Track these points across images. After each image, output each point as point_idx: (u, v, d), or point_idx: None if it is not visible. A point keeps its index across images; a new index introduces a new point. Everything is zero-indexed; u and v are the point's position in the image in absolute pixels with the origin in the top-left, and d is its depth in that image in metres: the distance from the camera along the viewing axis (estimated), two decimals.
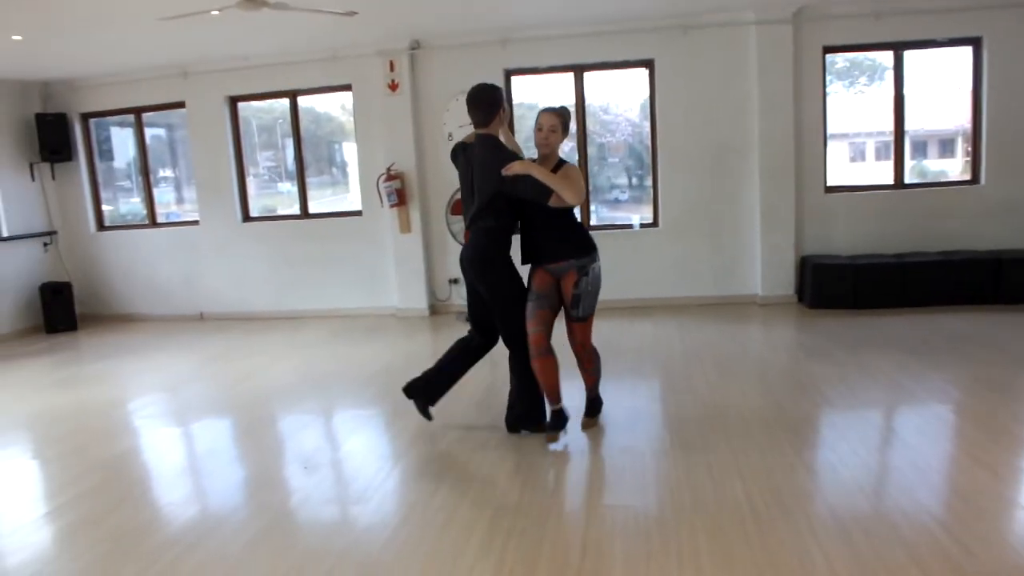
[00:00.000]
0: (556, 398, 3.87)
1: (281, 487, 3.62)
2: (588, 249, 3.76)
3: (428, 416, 4.03)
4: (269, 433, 4.50)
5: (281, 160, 8.23)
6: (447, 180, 7.16)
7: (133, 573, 2.83)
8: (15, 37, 5.84)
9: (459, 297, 7.42)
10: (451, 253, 7.32)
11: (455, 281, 7.40)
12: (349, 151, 8.21)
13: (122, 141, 8.55)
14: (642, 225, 7.24)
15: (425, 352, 6.10)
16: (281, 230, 7.84)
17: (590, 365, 4.00)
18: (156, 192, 8.39)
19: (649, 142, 7.13)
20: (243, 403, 5.06)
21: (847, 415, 4.10)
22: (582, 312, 3.79)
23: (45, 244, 8.18)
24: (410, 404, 4.12)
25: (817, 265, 6.56)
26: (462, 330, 6.64)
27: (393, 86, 7.11)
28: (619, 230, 7.32)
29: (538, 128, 3.72)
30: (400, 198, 7.12)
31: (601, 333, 6.12)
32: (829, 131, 6.89)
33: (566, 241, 3.72)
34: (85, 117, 8.18)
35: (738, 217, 6.91)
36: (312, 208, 7.83)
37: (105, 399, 5.37)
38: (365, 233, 7.52)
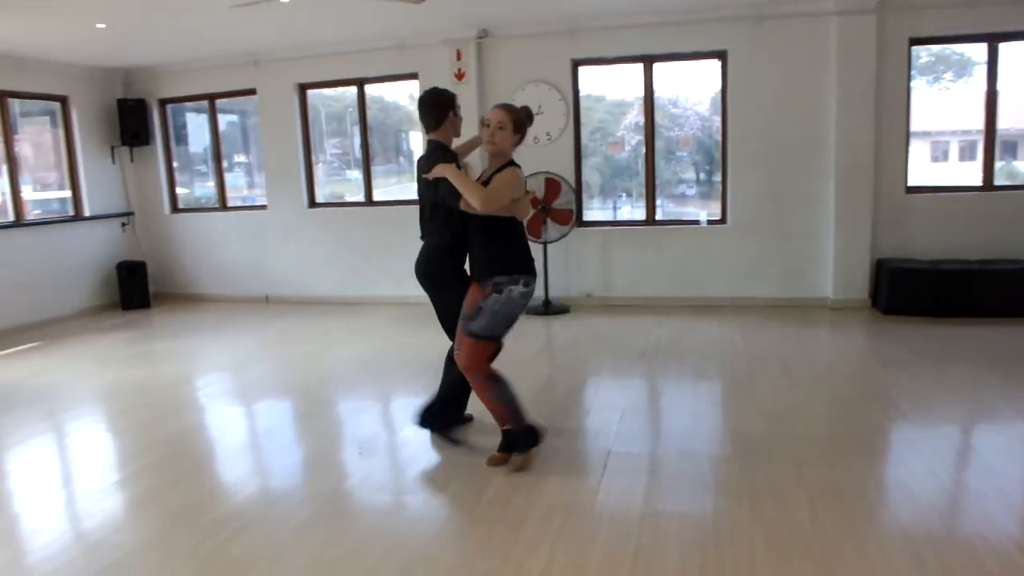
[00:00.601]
0: (519, 417, 3.49)
1: (336, 471, 3.65)
2: (513, 270, 3.33)
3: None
4: (327, 416, 4.55)
5: (349, 148, 8.33)
6: None
7: (189, 547, 2.90)
8: (99, 25, 6.04)
9: None
10: None
11: None
12: (416, 140, 8.25)
13: (198, 127, 8.80)
14: (709, 221, 7.04)
15: None
16: (346, 217, 7.94)
17: (491, 391, 3.42)
18: (229, 177, 8.62)
19: (719, 136, 6.91)
20: (303, 385, 5.13)
21: (923, 430, 3.87)
22: (476, 327, 3.32)
23: (123, 224, 8.50)
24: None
25: (894, 269, 6.25)
26: (520, 321, 6.62)
27: (459, 75, 7.09)
28: (685, 226, 7.13)
29: (485, 124, 3.39)
30: None
31: (664, 331, 6.05)
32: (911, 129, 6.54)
33: (492, 258, 3.35)
34: (163, 103, 8.45)
35: (811, 216, 6.64)
36: (377, 196, 7.90)
37: (173, 375, 5.54)
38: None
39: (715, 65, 6.80)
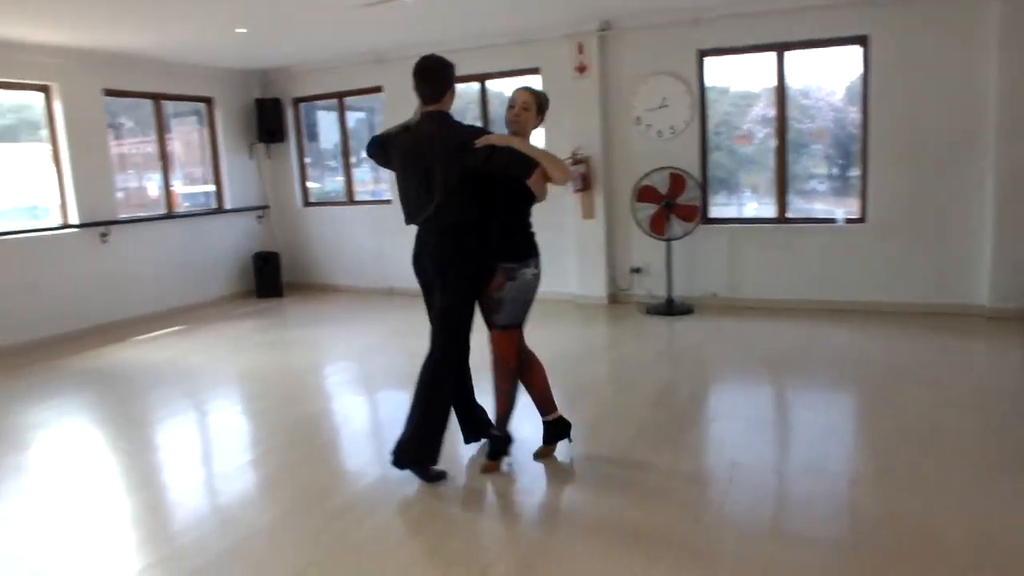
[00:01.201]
0: (550, 406, 3.54)
1: (453, 466, 3.66)
2: (522, 254, 3.30)
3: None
4: None
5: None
6: (634, 165, 6.94)
7: (313, 531, 2.99)
8: (239, 30, 6.38)
9: (641, 287, 7.21)
10: (635, 241, 7.11)
11: (637, 270, 7.19)
12: (535, 136, 8.21)
13: (328, 124, 9.17)
14: (847, 220, 6.58)
15: (602, 342, 5.99)
16: None
17: (505, 385, 3.41)
18: (357, 172, 8.92)
19: (857, 129, 6.44)
20: None
21: None
22: (503, 320, 3.30)
23: (259, 217, 8.99)
24: (589, 392, 4.20)
25: None
26: (641, 321, 6.49)
27: (581, 69, 6.99)
28: (818, 224, 6.69)
29: (510, 105, 3.39)
30: (584, 183, 7.01)
31: (794, 336, 5.73)
32: None
33: (512, 242, 3.31)
34: (296, 101, 8.86)
35: (964, 215, 6.06)
36: None
37: (302, 362, 5.79)
38: (547, 218, 7.38)
39: (855, 52, 6.33)
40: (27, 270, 6.60)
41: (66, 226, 6.97)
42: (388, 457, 3.40)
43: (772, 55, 6.56)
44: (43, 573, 2.82)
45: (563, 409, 4.04)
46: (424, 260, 3.35)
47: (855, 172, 6.53)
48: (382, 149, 3.48)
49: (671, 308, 6.75)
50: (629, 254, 7.24)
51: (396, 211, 8.77)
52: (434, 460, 3.35)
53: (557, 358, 5.44)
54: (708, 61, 6.81)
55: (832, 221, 6.63)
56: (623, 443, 3.79)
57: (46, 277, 6.74)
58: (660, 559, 2.65)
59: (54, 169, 6.94)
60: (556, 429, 3.55)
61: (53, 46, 6.56)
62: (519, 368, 3.44)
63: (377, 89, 8.21)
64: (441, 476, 3.39)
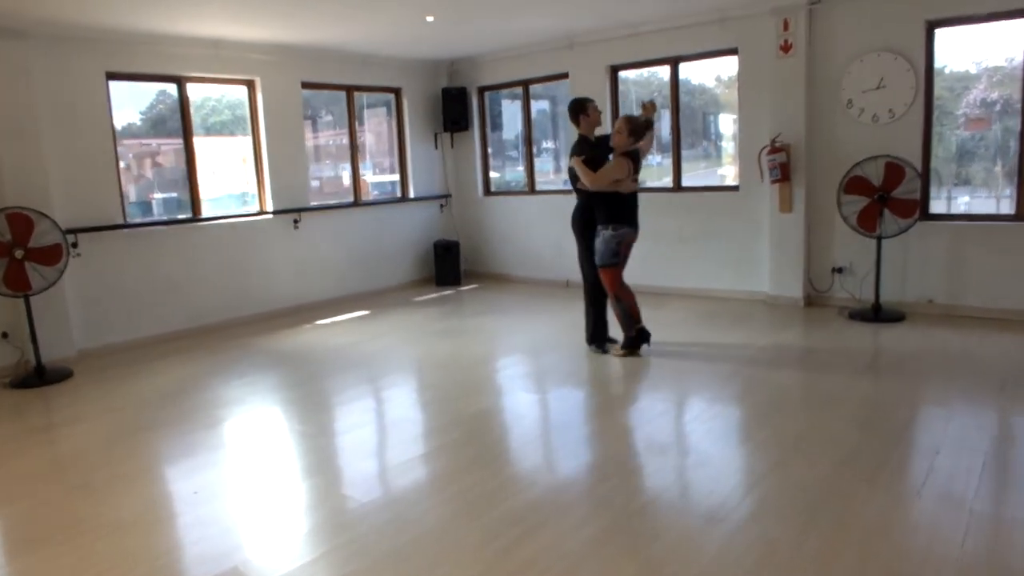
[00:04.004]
0: (639, 318, 5.31)
1: (628, 481, 3.37)
2: (607, 220, 5.09)
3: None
4: (621, 414, 4.30)
5: (656, 130, 7.98)
6: (841, 154, 6.22)
7: (478, 542, 2.83)
8: (428, 18, 6.39)
9: (842, 289, 6.46)
10: (838, 237, 6.39)
11: (839, 270, 6.45)
12: (723, 123, 7.67)
13: (511, 114, 9.12)
14: None
15: (798, 348, 5.39)
16: (650, 203, 7.60)
17: (615, 306, 5.29)
18: (537, 162, 8.80)
19: None
20: (598, 378, 4.96)
21: None
22: (596, 260, 5.19)
23: (441, 206, 9.14)
24: (782, 407, 3.84)
25: None
26: (842, 327, 5.78)
27: (785, 47, 6.34)
28: None
29: (614, 127, 5.18)
30: (783, 173, 6.36)
31: None
32: None
33: (600, 214, 5.15)
34: (481, 90, 8.87)
35: None
36: (685, 182, 7.46)
37: (476, 353, 5.73)
38: (740, 210, 6.91)
39: None
40: (232, 253, 7.12)
41: (262, 212, 7.43)
42: (562, 451, 3.18)
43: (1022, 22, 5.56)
44: (229, 548, 2.88)
45: (756, 424, 3.76)
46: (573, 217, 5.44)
47: None
48: None
49: (878, 314, 5.98)
50: (831, 252, 6.51)
51: (575, 202, 8.56)
52: (604, 340, 5.47)
53: (746, 364, 4.97)
54: (940, 34, 5.90)
55: None
56: (824, 471, 3.29)
57: (247, 261, 7.24)
58: None
59: (255, 158, 7.41)
60: (643, 336, 5.32)
61: (257, 42, 6.98)
62: (621, 294, 5.23)
63: (563, 76, 7.99)
64: (613, 342, 5.49)
